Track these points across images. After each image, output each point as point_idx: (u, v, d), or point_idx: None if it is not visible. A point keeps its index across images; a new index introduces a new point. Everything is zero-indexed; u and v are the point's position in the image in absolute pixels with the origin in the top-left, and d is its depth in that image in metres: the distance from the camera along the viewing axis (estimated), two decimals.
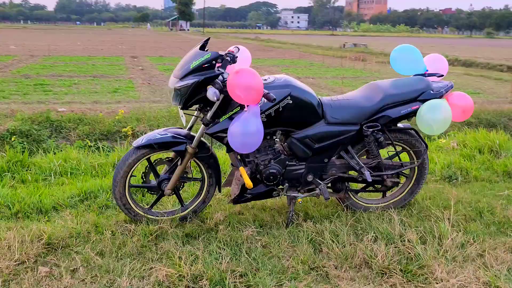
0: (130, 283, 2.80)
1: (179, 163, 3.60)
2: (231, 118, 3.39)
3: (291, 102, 3.45)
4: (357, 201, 4.02)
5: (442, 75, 3.96)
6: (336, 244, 3.34)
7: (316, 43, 39.65)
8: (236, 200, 3.70)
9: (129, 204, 3.60)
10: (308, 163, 3.70)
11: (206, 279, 2.85)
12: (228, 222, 3.68)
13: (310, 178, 3.74)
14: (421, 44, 31.61)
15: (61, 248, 3.20)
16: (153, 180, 3.72)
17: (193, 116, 3.68)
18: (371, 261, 3.14)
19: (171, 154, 3.70)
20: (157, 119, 7.48)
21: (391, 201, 4.10)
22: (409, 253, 3.23)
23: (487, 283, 2.91)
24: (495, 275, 2.97)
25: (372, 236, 3.43)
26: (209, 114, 3.41)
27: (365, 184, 4.02)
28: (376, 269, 3.08)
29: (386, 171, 3.90)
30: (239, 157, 3.60)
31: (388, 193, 4.17)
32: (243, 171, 3.48)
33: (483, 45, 45.81)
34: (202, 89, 3.30)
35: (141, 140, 3.50)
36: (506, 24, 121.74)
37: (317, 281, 2.97)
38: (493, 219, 3.90)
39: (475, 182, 4.97)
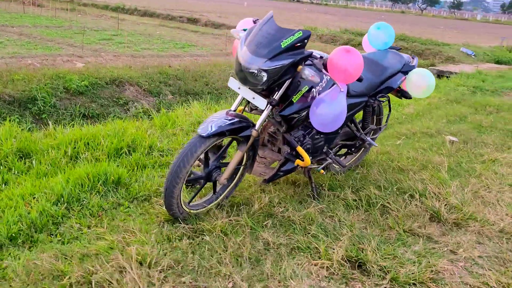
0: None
1: (238, 148, 3.30)
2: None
3: None
4: (334, 166, 4.24)
5: (400, 48, 4.51)
6: (396, 206, 3.64)
7: None
8: (268, 180, 3.61)
9: (181, 201, 3.18)
10: (326, 135, 3.75)
11: None
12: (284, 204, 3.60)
13: (325, 149, 3.84)
14: None
15: None
16: (196, 171, 3.39)
17: (239, 97, 3.39)
18: (437, 216, 3.58)
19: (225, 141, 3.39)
20: None
21: (352, 161, 4.50)
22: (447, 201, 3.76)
23: None
24: None
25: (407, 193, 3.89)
26: (278, 95, 3.20)
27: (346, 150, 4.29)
28: (449, 221, 3.51)
29: (374, 134, 4.36)
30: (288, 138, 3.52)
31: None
32: (301, 150, 3.47)
33: None
34: (290, 70, 3.12)
35: (209, 127, 3.06)
36: None
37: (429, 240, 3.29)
38: None
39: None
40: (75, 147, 4.33)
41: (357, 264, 2.88)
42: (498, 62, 18.26)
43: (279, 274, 2.73)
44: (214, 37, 17.83)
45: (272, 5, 58.88)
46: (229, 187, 3.54)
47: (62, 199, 3.39)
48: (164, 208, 3.19)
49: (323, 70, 3.17)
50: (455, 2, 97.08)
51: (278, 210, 3.46)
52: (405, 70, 4.18)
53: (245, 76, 3.10)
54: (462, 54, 17.64)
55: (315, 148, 3.73)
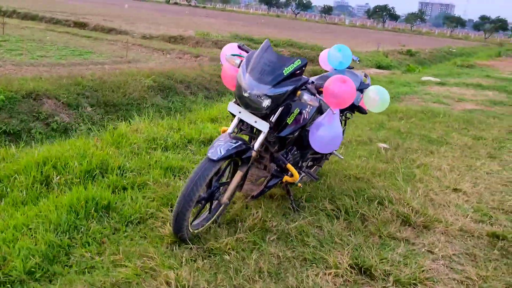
0: None
1: (240, 169, 3.47)
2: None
3: None
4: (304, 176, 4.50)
5: (353, 67, 4.91)
6: (371, 213, 4.03)
7: None
8: (256, 196, 3.80)
9: (189, 223, 3.33)
10: (301, 151, 4.02)
11: None
12: (274, 218, 3.84)
13: (300, 163, 4.12)
14: None
15: None
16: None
17: (235, 120, 3.55)
18: (407, 220, 4.03)
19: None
20: None
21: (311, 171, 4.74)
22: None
23: None
24: None
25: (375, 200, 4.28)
26: (275, 118, 3.44)
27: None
28: (419, 224, 3.98)
29: None
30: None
31: None
32: (291, 167, 3.74)
33: None
34: (290, 95, 3.38)
35: (218, 151, 3.22)
36: None
37: (407, 243, 3.72)
38: None
39: None
40: (42, 172, 4.20)
41: (362, 270, 3.22)
42: (379, 67, 19.86)
43: (303, 286, 2.98)
44: (109, 43, 17.45)
45: (153, 8, 58.22)
46: (223, 206, 3.71)
47: (60, 228, 3.35)
48: (172, 230, 3.29)
49: (317, 95, 3.49)
50: (325, 7, 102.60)
51: (271, 224, 3.70)
52: (361, 88, 4.60)
53: (249, 102, 3.31)
54: None
55: (294, 163, 4.02)
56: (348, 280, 3.11)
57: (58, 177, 4.14)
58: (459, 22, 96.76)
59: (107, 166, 4.41)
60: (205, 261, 3.14)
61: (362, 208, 4.08)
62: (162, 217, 3.69)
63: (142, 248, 3.20)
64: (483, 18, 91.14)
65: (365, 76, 4.81)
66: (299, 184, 4.11)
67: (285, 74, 3.33)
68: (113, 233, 3.44)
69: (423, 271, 3.27)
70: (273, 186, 3.91)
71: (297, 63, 3.39)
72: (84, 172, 4.26)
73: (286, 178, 3.81)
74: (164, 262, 3.04)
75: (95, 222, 3.51)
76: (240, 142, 3.36)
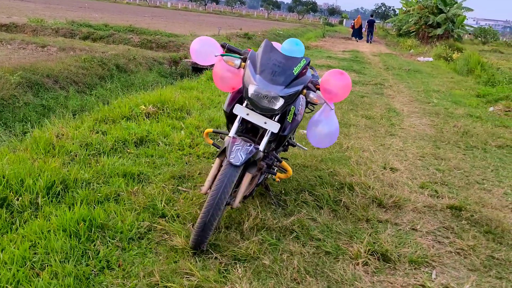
0: None
1: (249, 171, 3.34)
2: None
3: None
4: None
5: None
6: (349, 200, 4.30)
7: None
8: (247, 196, 3.75)
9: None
10: (278, 146, 3.98)
11: None
12: (270, 216, 3.87)
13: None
14: None
15: None
16: None
17: (237, 122, 3.47)
18: (381, 202, 4.33)
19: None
20: None
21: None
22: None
23: None
24: None
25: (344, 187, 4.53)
26: (277, 117, 3.46)
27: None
28: (391, 205, 4.31)
29: None
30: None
31: None
32: (285, 164, 3.86)
33: None
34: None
35: (240, 156, 3.17)
36: None
37: (392, 224, 4.05)
38: None
39: None
40: None
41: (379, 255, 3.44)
42: None
43: (345, 279, 3.10)
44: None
45: None
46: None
47: (70, 256, 2.99)
48: (193, 242, 3.16)
49: (317, 91, 3.58)
50: None
51: (271, 222, 3.73)
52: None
53: (261, 103, 3.28)
54: None
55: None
56: (377, 267, 3.30)
57: (18, 199, 3.64)
58: (275, 5, 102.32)
59: (64, 180, 3.99)
60: (239, 269, 3.08)
61: (338, 196, 4.30)
62: (162, 229, 3.49)
63: (172, 265, 3.02)
64: (295, 1, 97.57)
65: (312, 69, 4.99)
66: (277, 179, 4.18)
67: (295, 74, 3.36)
68: (121, 254, 3.18)
69: (422, 249, 3.60)
70: (260, 184, 3.93)
71: (303, 62, 3.44)
72: (45, 189, 3.80)
73: (279, 175, 3.86)
74: (207, 277, 2.92)
75: (98, 243, 3.20)
76: (253, 145, 3.32)
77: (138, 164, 4.63)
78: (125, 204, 3.79)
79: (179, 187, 4.27)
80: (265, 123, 3.41)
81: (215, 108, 7.21)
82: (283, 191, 4.33)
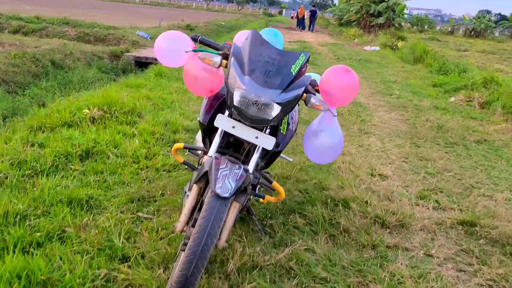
0: None
1: (236, 200, 2.55)
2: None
3: None
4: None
5: None
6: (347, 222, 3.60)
7: None
8: None
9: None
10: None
11: None
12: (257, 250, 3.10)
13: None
14: None
15: None
16: None
17: (218, 137, 2.68)
18: (382, 221, 3.67)
19: None
20: None
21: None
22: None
23: None
24: None
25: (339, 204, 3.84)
26: (268, 130, 2.71)
27: None
28: (394, 224, 3.65)
29: None
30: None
31: None
32: (277, 185, 2.97)
33: None
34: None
35: (228, 185, 2.37)
36: None
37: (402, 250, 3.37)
38: None
39: None
40: None
41: None
42: None
43: None
44: None
45: None
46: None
47: None
48: None
49: (317, 94, 2.84)
50: None
51: (261, 259, 2.98)
52: None
53: (250, 113, 2.52)
54: (140, 38, 17.87)
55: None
56: None
57: None
58: None
59: None
60: None
61: (334, 217, 3.61)
62: (124, 279, 2.68)
63: None
64: None
65: None
66: (261, 200, 3.40)
67: (293, 74, 2.60)
68: None
69: (447, 282, 2.97)
70: (243, 208, 3.17)
71: (302, 58, 2.68)
72: None
73: (268, 198, 3.10)
74: None
75: None
76: (242, 166, 2.56)
77: (86, 185, 3.76)
78: (73, 244, 2.94)
79: (140, 213, 3.46)
80: (257, 137, 2.65)
81: (169, 109, 6.34)
82: (268, 214, 3.59)
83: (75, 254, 2.83)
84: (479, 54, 22.50)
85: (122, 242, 3.01)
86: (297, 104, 2.77)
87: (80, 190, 3.60)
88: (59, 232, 3.06)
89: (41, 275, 2.54)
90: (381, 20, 32.39)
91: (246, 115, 2.52)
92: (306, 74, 2.86)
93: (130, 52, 14.17)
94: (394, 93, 9.67)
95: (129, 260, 2.86)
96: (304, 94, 2.67)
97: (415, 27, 44.15)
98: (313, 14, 36.12)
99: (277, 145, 2.78)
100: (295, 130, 2.99)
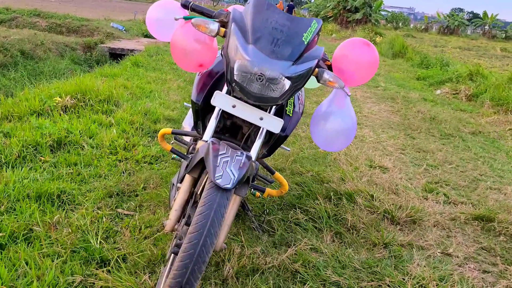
0: None
1: (236, 193, 2.15)
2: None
3: None
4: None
5: None
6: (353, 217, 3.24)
7: None
8: None
9: None
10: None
11: None
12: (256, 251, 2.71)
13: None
14: None
15: None
16: None
17: (213, 119, 2.27)
18: (390, 215, 3.33)
19: None
20: None
21: None
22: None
23: None
24: None
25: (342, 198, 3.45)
26: (273, 111, 2.30)
27: None
28: (404, 219, 3.31)
29: None
30: None
31: None
32: (279, 177, 2.58)
33: None
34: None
35: (230, 174, 1.96)
36: None
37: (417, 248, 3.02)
38: None
39: None
40: None
41: None
42: (146, 36, 18.72)
43: None
44: None
45: None
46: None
47: None
48: None
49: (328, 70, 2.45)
50: None
51: (262, 261, 2.59)
52: None
53: (254, 89, 2.12)
54: (115, 30, 17.30)
55: None
56: None
57: None
58: None
59: None
60: None
61: (338, 212, 3.23)
62: (104, 286, 2.27)
63: None
64: None
65: None
66: (257, 194, 3.02)
67: (305, 43, 2.19)
68: None
69: (473, 285, 2.63)
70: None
71: (314, 25, 2.28)
72: None
73: (269, 191, 2.71)
74: None
75: None
76: (244, 153, 2.16)
77: (58, 178, 3.32)
78: (41, 246, 2.50)
79: (119, 210, 3.04)
80: (261, 119, 2.26)
81: (147, 99, 5.89)
82: (265, 210, 3.20)
83: (44, 258, 2.39)
84: (456, 50, 22.55)
85: (100, 242, 2.59)
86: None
87: (50, 184, 3.16)
88: (25, 231, 2.61)
89: (1, 284, 2.10)
90: (358, 15, 32.32)
91: (249, 91, 2.13)
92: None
93: (104, 44, 13.64)
94: (380, 85, 9.40)
95: (109, 263, 2.44)
96: (316, 69, 2.28)
97: (389, 24, 44.27)
98: (290, 9, 35.83)
99: (282, 129, 2.39)
100: (302, 113, 2.60)
